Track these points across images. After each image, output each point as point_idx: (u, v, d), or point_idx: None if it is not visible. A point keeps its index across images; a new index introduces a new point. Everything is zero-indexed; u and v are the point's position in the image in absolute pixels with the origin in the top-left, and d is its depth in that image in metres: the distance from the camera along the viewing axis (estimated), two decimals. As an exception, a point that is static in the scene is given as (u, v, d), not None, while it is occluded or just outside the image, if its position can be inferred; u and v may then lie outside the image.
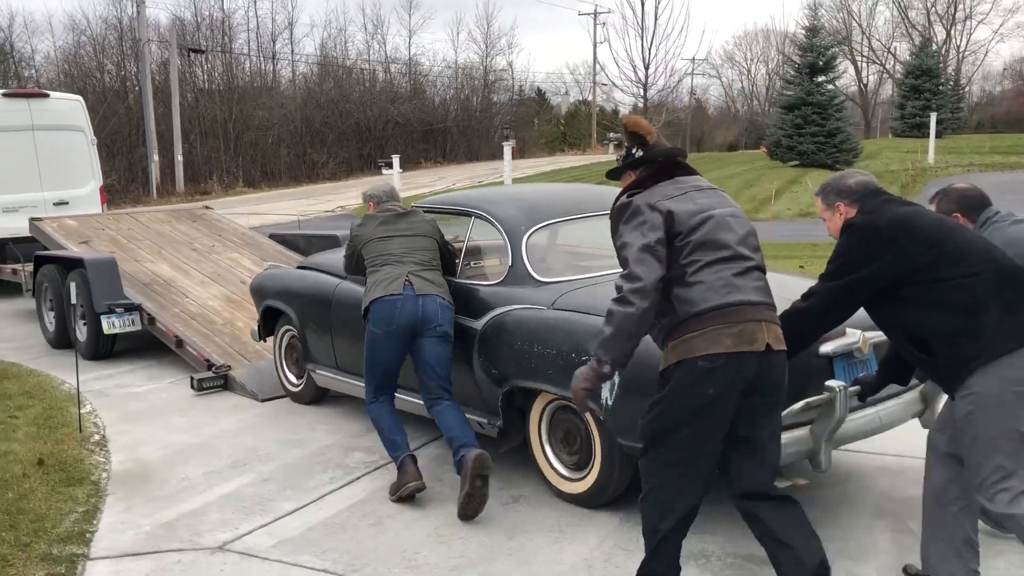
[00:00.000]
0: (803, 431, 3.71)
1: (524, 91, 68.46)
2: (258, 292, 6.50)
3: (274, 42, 50.75)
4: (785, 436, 3.44)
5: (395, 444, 4.53)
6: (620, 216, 3.19)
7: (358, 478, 4.77)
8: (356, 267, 4.95)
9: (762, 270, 3.17)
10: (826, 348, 3.79)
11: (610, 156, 56.30)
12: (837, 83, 32.49)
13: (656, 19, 23.41)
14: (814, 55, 30.82)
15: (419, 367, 4.59)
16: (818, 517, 3.76)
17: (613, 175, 3.47)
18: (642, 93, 23.98)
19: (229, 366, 6.79)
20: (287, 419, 5.95)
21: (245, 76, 46.57)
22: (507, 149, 25.29)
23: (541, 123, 68.42)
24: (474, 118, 60.17)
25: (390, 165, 30.24)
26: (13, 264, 10.41)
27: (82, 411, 6.06)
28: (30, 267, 9.63)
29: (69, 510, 4.39)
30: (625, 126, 3.44)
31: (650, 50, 23.27)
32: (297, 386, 6.29)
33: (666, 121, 25.02)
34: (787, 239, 14.69)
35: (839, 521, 4.06)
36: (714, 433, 3.01)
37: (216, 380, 6.65)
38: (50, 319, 8.77)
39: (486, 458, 4.18)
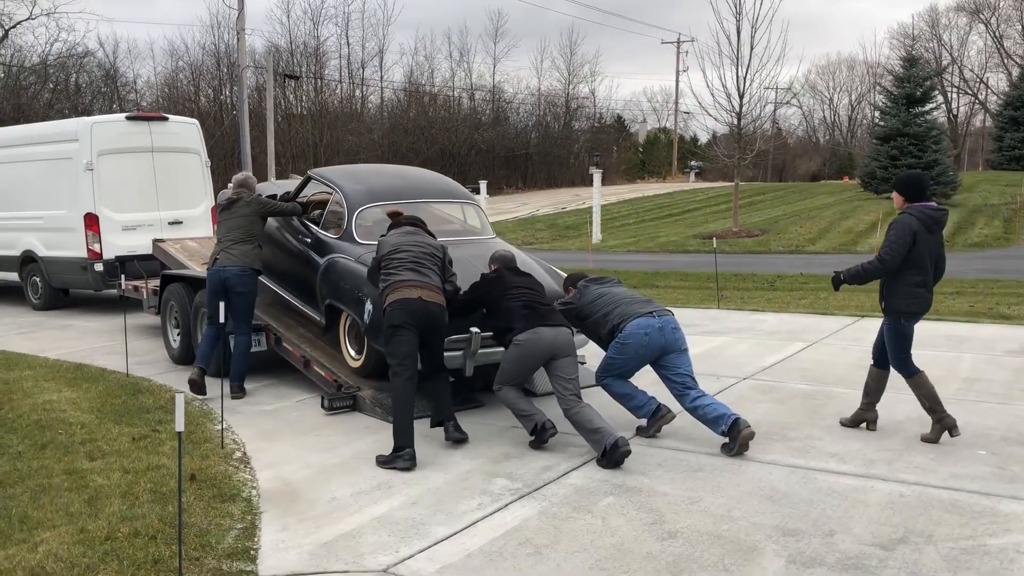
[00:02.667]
0: (457, 352, 6.39)
1: (604, 118, 68.60)
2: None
3: (363, 68, 52.01)
4: (448, 354, 6.20)
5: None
6: None
7: (506, 505, 4.74)
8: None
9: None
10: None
11: (692, 184, 55.95)
12: (933, 114, 31.60)
13: (752, 48, 22.92)
14: (911, 86, 30.13)
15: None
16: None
17: None
18: (736, 123, 23.60)
19: (358, 387, 6.87)
20: (422, 441, 5.96)
21: (335, 102, 47.74)
22: (596, 176, 25.24)
23: (620, 150, 68.36)
24: (555, 145, 60.47)
25: (477, 191, 30.60)
26: (135, 281, 10.77)
27: (219, 427, 6.19)
28: (153, 283, 9.96)
29: (228, 526, 4.45)
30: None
31: (744, 79, 22.95)
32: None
33: (755, 150, 24.62)
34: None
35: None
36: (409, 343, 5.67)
37: (346, 400, 6.73)
38: (174, 336, 9.03)
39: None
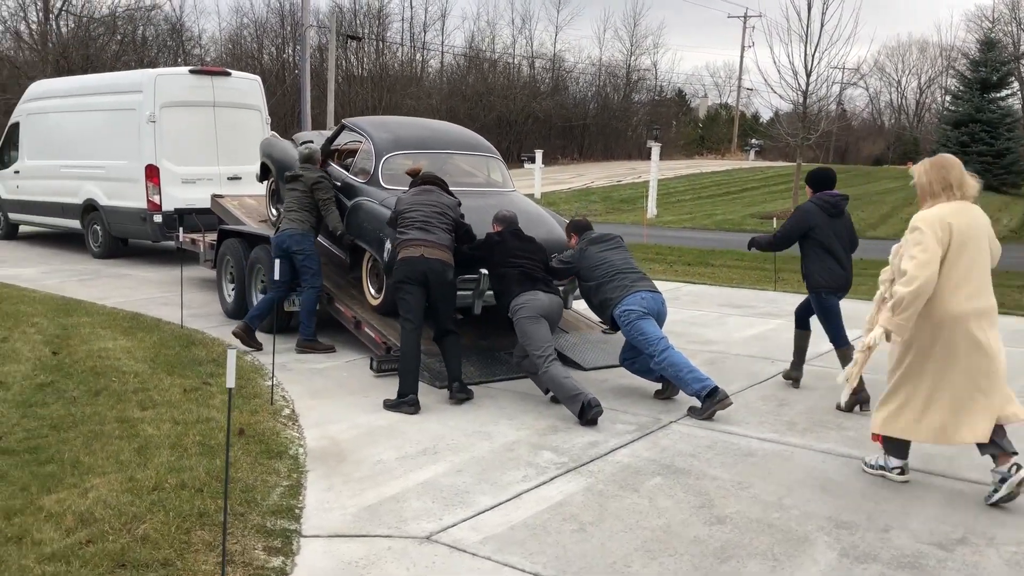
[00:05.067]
0: (467, 292, 6.88)
1: (664, 92, 67.58)
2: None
3: (425, 32, 51.85)
4: (458, 293, 6.59)
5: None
6: None
7: (551, 479, 4.68)
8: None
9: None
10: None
11: (751, 162, 54.95)
12: (1008, 101, 30.51)
13: (822, 26, 22.22)
14: (987, 70, 29.11)
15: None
16: None
17: None
18: (802, 101, 22.99)
19: (408, 351, 6.85)
20: (469, 408, 5.94)
21: (396, 65, 47.73)
22: (655, 150, 24.84)
23: (680, 125, 67.36)
24: (613, 117, 59.78)
25: (533, 159, 30.39)
26: (194, 234, 10.88)
27: (269, 383, 6.23)
28: (210, 237, 10.05)
29: (274, 483, 4.47)
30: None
31: (813, 57, 22.29)
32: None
33: (819, 130, 23.97)
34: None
35: None
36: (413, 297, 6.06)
37: (395, 362, 6.70)
38: (229, 291, 9.11)
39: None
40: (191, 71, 13.14)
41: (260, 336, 7.52)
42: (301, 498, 4.33)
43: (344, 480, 4.60)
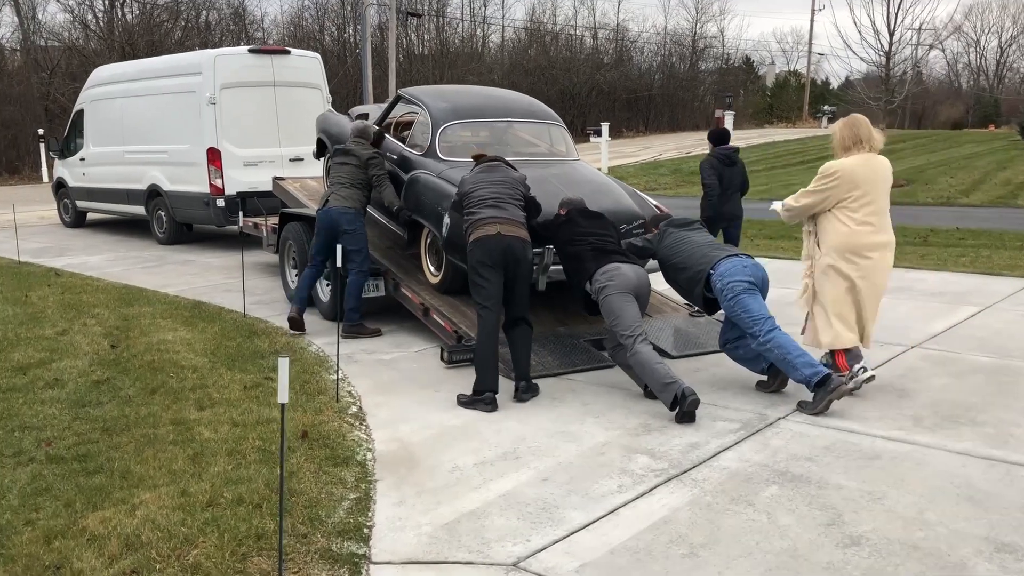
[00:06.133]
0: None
1: (732, 60, 65.67)
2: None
3: (485, 7, 51.12)
4: None
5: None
6: None
7: (651, 490, 4.11)
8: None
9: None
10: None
11: (824, 129, 53.01)
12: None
13: (906, -21, 20.93)
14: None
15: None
16: None
17: None
18: (884, 62, 21.76)
19: (481, 340, 6.34)
20: (550, 405, 5.40)
21: (456, 41, 47.20)
22: (728, 119, 23.90)
23: (748, 93, 65.40)
24: (679, 87, 58.29)
25: (599, 133, 29.55)
26: (256, 218, 10.54)
27: (336, 376, 5.79)
28: (272, 221, 9.68)
29: (341, 496, 4.00)
30: None
31: (896, 15, 21.03)
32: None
33: (904, 93, 22.66)
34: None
35: None
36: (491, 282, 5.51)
37: (467, 353, 6.21)
38: (292, 276, 8.71)
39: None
40: (250, 50, 12.76)
41: (325, 324, 7.13)
42: (370, 514, 3.86)
43: (417, 491, 4.11)
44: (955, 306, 8.22)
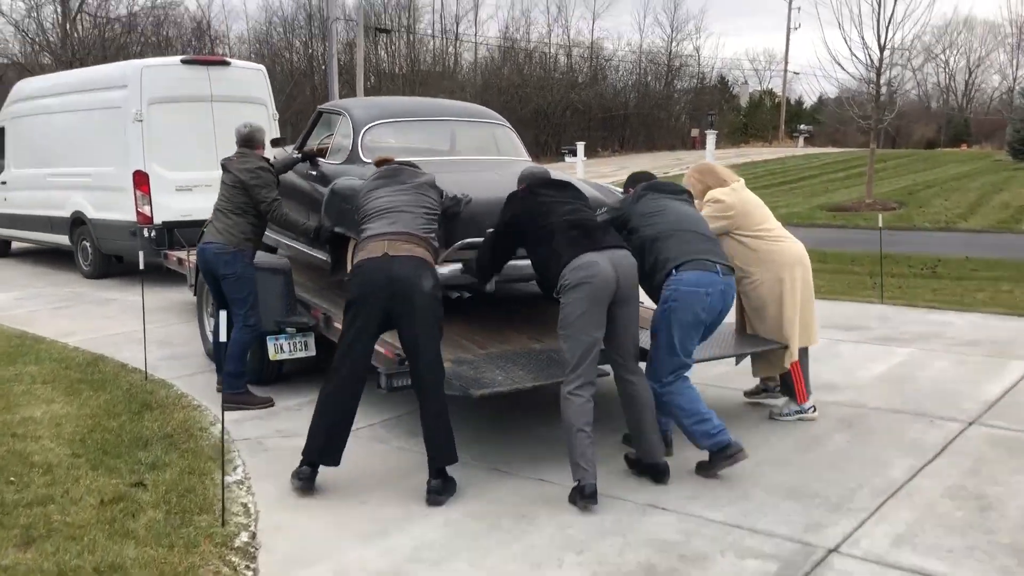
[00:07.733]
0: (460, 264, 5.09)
1: (707, 79, 64.97)
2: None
3: (457, 24, 50.07)
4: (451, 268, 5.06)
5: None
6: None
7: None
8: None
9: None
10: None
11: (802, 149, 52.21)
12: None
13: (898, -9, 19.79)
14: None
15: None
16: None
17: None
18: (874, 79, 20.64)
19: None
20: (515, 525, 3.98)
21: (428, 59, 46.06)
22: (710, 138, 22.78)
23: (724, 112, 64.70)
24: (655, 106, 57.48)
25: (574, 153, 28.46)
26: (179, 252, 9.09)
27: (230, 479, 4.36)
28: (192, 257, 8.24)
29: None
30: None
31: (887, 29, 19.92)
32: None
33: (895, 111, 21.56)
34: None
35: None
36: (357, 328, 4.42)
37: (407, 378, 4.72)
38: (211, 327, 7.24)
39: None
40: (183, 61, 11.35)
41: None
42: None
43: None
44: (1002, 360, 6.90)
